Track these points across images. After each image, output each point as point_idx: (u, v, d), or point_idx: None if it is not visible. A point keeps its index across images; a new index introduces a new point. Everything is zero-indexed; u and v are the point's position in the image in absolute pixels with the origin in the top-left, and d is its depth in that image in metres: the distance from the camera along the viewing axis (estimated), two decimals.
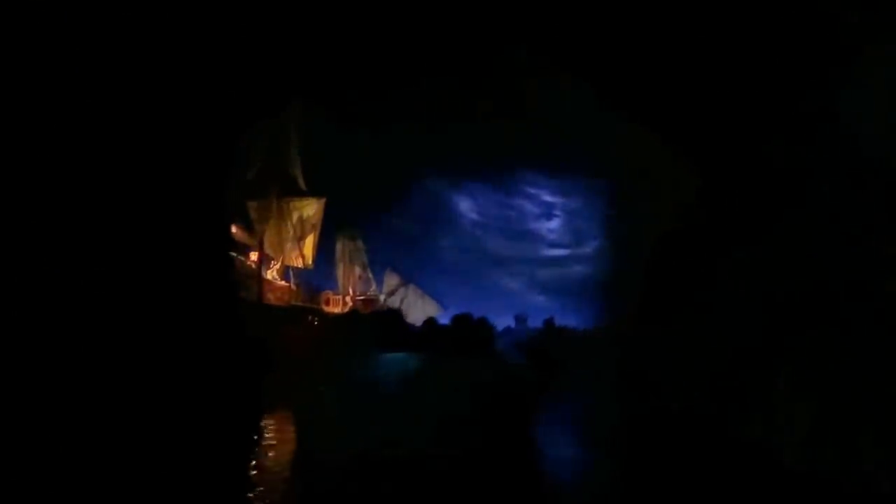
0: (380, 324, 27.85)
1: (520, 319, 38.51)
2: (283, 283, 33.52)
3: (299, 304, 33.18)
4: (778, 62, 12.30)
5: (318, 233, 34.75)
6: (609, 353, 19.34)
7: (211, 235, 11.71)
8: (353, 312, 34.13)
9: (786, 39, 12.07)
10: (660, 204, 19.80)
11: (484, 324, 9.96)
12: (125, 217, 10.43)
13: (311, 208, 34.47)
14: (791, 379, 8.67)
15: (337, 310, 36.28)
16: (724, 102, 14.16)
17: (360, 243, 37.97)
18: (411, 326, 29.66)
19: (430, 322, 13.30)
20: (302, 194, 34.16)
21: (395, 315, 31.20)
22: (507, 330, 38.05)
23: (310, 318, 32.24)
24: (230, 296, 12.95)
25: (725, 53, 13.85)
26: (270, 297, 31.67)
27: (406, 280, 39.96)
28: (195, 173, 11.28)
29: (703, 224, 15.78)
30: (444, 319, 34.48)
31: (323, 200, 34.54)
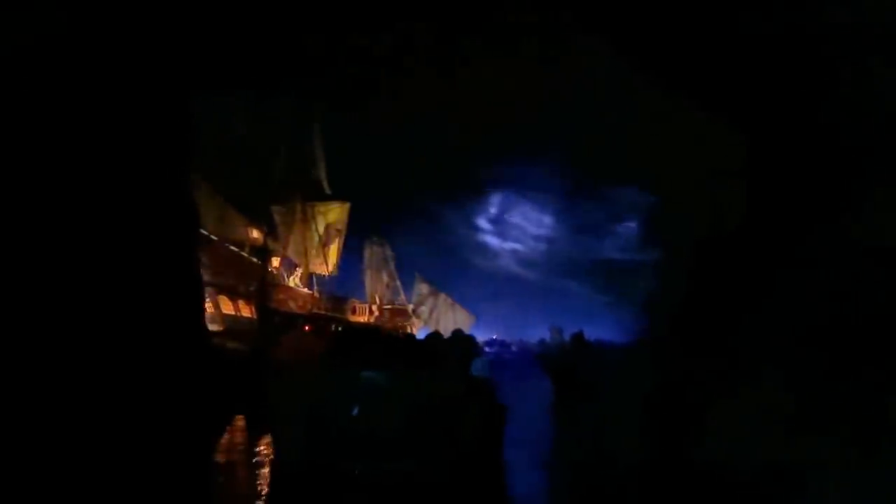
0: (354, 338, 26.10)
1: (555, 332, 35.28)
2: (304, 290, 32.38)
3: (321, 312, 31.91)
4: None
5: (342, 238, 33.49)
6: (644, 377, 16.63)
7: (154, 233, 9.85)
8: (332, 326, 32.23)
9: None
10: (706, 202, 17.03)
11: (465, 341, 8.20)
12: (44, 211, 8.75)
13: (335, 213, 33.28)
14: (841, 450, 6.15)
15: (363, 319, 34.84)
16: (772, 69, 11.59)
17: (388, 250, 36.37)
18: (396, 341, 27.84)
19: (409, 337, 11.72)
20: (326, 198, 33.04)
21: (372, 330, 29.40)
22: (542, 343, 35.03)
23: (333, 327, 30.88)
24: (191, 309, 11.18)
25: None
26: (291, 305, 30.58)
27: (437, 289, 38.07)
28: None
29: (755, 225, 13.14)
30: (477, 331, 32.27)
31: (347, 205, 33.27)
